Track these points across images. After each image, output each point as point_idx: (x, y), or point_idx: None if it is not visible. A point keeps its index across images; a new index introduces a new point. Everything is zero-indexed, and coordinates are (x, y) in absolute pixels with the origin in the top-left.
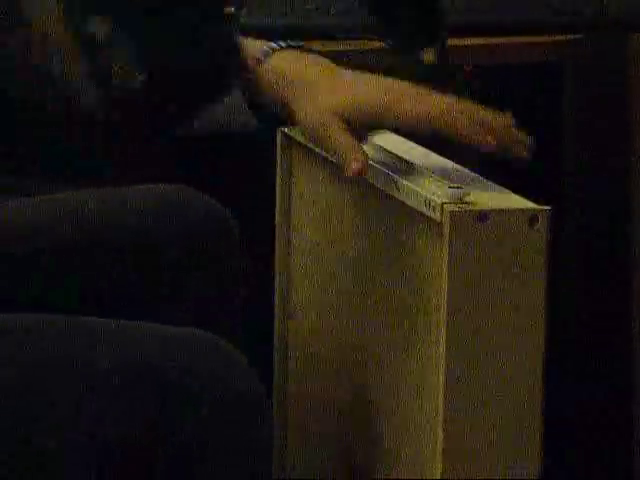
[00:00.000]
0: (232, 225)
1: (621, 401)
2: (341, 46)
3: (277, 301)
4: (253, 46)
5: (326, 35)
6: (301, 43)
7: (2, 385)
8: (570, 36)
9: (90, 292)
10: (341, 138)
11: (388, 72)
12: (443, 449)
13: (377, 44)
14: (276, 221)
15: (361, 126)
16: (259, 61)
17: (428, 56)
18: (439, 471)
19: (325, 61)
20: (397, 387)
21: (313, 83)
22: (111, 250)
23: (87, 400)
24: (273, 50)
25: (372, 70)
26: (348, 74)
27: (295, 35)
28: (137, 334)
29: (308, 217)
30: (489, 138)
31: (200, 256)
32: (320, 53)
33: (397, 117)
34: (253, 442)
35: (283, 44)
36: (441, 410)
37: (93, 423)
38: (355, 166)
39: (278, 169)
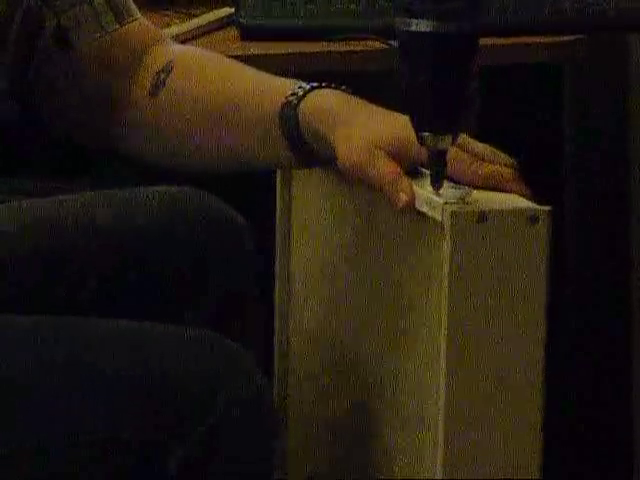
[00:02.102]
0: (243, 227)
1: (621, 400)
2: (342, 47)
3: (277, 301)
4: (280, 84)
5: (326, 36)
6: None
7: (15, 386)
8: (571, 37)
9: (100, 294)
10: (386, 168)
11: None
12: (443, 449)
13: (377, 44)
14: (277, 221)
15: (400, 159)
16: (297, 99)
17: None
18: (439, 471)
19: (357, 98)
20: (397, 387)
21: (352, 117)
22: (121, 252)
23: (100, 403)
24: (302, 88)
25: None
26: (382, 110)
27: (296, 35)
28: (149, 336)
29: (308, 218)
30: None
31: (211, 258)
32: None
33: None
34: (263, 444)
35: (314, 84)
36: (441, 410)
37: (105, 425)
38: (403, 198)
39: (278, 170)
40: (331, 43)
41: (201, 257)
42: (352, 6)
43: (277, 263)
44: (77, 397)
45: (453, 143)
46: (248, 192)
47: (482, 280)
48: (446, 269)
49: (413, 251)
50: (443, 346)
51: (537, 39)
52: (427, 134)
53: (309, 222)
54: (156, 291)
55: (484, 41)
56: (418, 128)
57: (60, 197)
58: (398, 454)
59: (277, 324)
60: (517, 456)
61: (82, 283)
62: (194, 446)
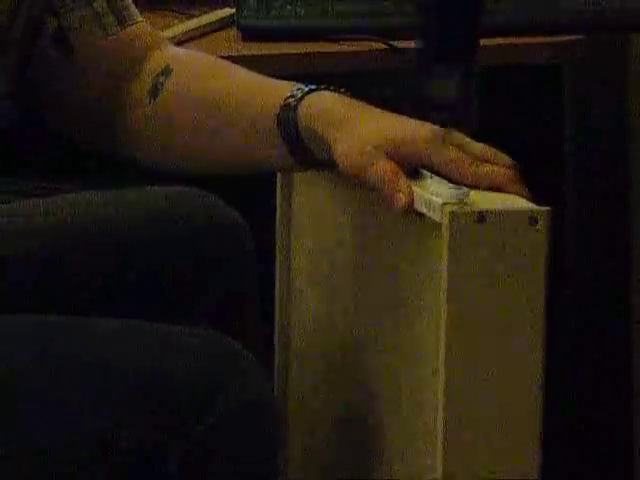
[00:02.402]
0: (244, 228)
1: (621, 400)
2: (342, 47)
3: (277, 301)
4: (278, 86)
5: (326, 36)
6: (330, 87)
7: (14, 387)
8: (569, 37)
9: (101, 293)
10: (384, 168)
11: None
12: (442, 450)
13: (378, 45)
14: (277, 222)
15: (399, 159)
16: (295, 101)
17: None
18: (439, 471)
19: (355, 100)
20: (398, 386)
21: (351, 119)
22: (121, 252)
23: (100, 403)
24: (301, 90)
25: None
26: (380, 111)
27: (296, 36)
28: (150, 336)
29: (309, 217)
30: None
31: (211, 258)
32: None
33: (441, 162)
34: (264, 443)
35: (313, 86)
36: (441, 409)
37: (105, 426)
38: (402, 198)
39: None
40: (332, 44)
41: (201, 257)
42: (353, 7)
43: (277, 263)
44: (77, 397)
45: (459, 92)
46: (249, 191)
47: (481, 280)
48: (445, 269)
49: (412, 251)
50: (442, 345)
51: (536, 39)
52: (433, 81)
53: (309, 222)
54: (156, 291)
55: (484, 41)
56: (426, 65)
57: (62, 197)
58: (398, 454)
59: (277, 324)
60: (516, 457)
61: (82, 283)
62: (194, 446)
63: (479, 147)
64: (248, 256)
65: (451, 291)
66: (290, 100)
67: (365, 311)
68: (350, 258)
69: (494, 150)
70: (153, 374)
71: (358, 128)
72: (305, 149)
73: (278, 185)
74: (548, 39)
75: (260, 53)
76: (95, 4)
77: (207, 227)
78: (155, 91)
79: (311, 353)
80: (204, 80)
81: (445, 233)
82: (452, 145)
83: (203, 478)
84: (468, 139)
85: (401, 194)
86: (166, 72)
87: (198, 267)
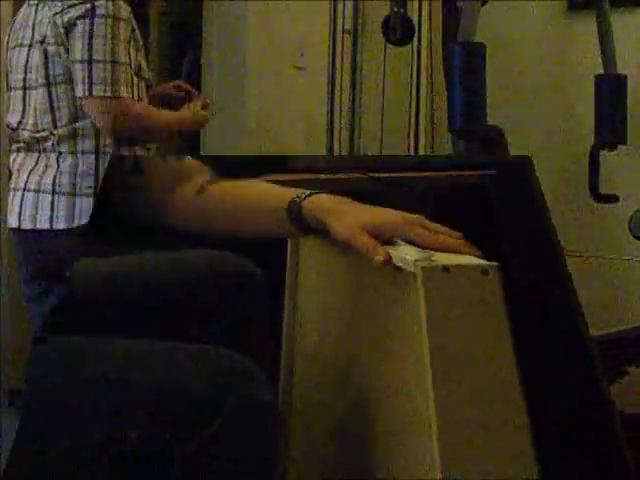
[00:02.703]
0: (260, 278)
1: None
2: (336, 176)
3: (285, 333)
4: (289, 190)
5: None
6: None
7: (52, 396)
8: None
9: (147, 318)
10: (365, 241)
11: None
12: (439, 451)
13: (359, 175)
14: (286, 270)
15: (377, 236)
16: (300, 200)
17: None
18: (439, 472)
19: (343, 197)
20: (392, 394)
21: (341, 210)
22: (163, 292)
23: (118, 409)
24: (304, 194)
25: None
26: (364, 205)
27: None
28: (168, 353)
29: (312, 269)
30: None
31: (225, 293)
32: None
33: (410, 235)
34: (265, 449)
35: (313, 191)
36: (434, 417)
37: (110, 426)
38: (380, 259)
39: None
40: (329, 175)
41: (216, 292)
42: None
43: (285, 301)
44: (80, 398)
45: None
46: (267, 250)
47: (450, 315)
48: (422, 308)
49: (393, 294)
50: (427, 362)
51: (467, 172)
52: None
53: (312, 274)
54: (177, 316)
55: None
56: None
57: (127, 257)
58: (398, 455)
59: (284, 345)
60: (511, 457)
61: (116, 309)
62: (201, 447)
63: (437, 225)
64: (257, 294)
65: (429, 324)
66: (297, 199)
67: (357, 339)
68: (344, 299)
69: (447, 228)
70: (161, 383)
71: (347, 216)
72: (308, 225)
73: (288, 245)
74: (475, 172)
75: (279, 179)
76: None
77: (223, 274)
78: (201, 190)
79: (311, 375)
80: (238, 185)
81: (418, 282)
82: (417, 225)
83: (205, 478)
84: (429, 221)
85: (379, 256)
86: (210, 181)
87: (214, 300)
